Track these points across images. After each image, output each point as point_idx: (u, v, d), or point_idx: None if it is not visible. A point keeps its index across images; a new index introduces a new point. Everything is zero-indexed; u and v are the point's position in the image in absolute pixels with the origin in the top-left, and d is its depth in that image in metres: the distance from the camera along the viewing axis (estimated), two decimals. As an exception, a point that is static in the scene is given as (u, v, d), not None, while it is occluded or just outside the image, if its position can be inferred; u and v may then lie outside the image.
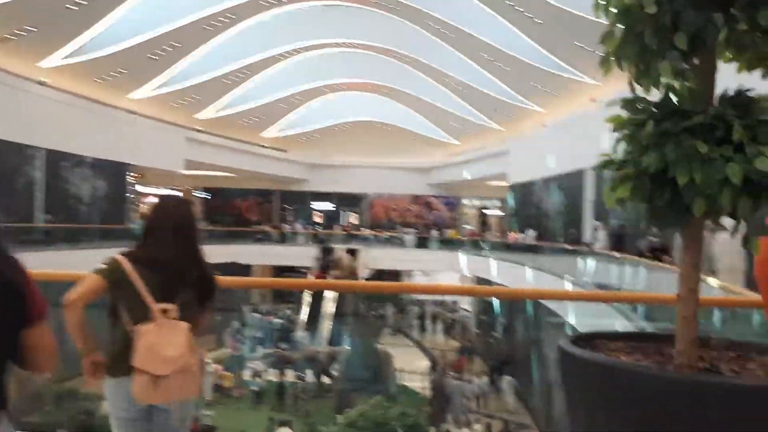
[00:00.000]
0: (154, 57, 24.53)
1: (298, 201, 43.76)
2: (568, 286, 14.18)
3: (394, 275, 39.82)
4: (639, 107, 2.26)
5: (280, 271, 41.69)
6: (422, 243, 34.59)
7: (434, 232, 35.08)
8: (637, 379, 2.02)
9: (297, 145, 40.27)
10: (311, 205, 43.43)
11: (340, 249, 31.29)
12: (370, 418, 11.95)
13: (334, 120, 38.82)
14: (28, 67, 21.77)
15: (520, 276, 20.66)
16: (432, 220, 42.33)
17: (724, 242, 7.73)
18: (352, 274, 13.74)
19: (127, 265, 2.71)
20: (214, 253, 19.45)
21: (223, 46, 26.55)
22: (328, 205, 43.62)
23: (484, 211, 43.41)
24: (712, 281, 6.59)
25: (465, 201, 43.68)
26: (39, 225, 22.02)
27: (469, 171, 36.67)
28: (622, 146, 2.26)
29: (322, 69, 32.54)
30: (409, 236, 33.97)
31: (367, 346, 19.08)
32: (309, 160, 41.19)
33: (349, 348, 20.71)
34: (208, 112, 32.33)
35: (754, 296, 4.19)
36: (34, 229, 21.80)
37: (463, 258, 30.67)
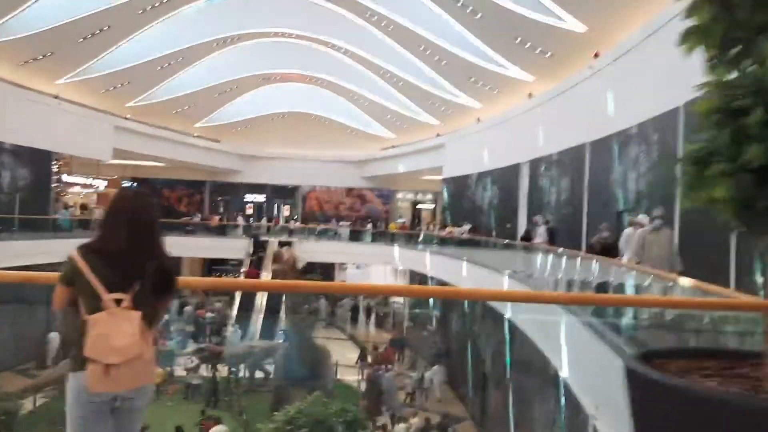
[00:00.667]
0: (82, 40, 23.37)
1: (230, 193, 42.99)
2: (506, 281, 14.51)
3: (327, 267, 39.90)
4: (734, 92, 1.88)
5: (211, 264, 41.06)
6: (356, 236, 34.65)
7: (369, 225, 35.15)
8: (727, 408, 1.74)
9: (230, 135, 39.43)
10: (244, 198, 42.74)
11: (273, 243, 31.12)
12: (310, 415, 11.87)
13: (268, 110, 38.20)
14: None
15: (455, 270, 21.01)
16: (366, 213, 42.48)
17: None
18: (292, 268, 13.51)
19: (79, 259, 2.71)
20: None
21: (156, 32, 25.60)
22: (262, 197, 43.06)
23: (418, 205, 43.86)
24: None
25: (399, 195, 44.04)
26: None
27: (404, 164, 37.00)
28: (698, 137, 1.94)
29: (257, 59, 31.91)
30: (344, 229, 33.91)
31: (305, 341, 18.95)
32: (242, 150, 40.54)
33: (285, 342, 20.56)
34: (139, 101, 31.17)
35: None
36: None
37: (397, 251, 30.90)
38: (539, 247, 14.39)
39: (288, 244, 31.29)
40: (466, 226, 24.43)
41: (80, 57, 25.06)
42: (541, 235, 15.28)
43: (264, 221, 37.25)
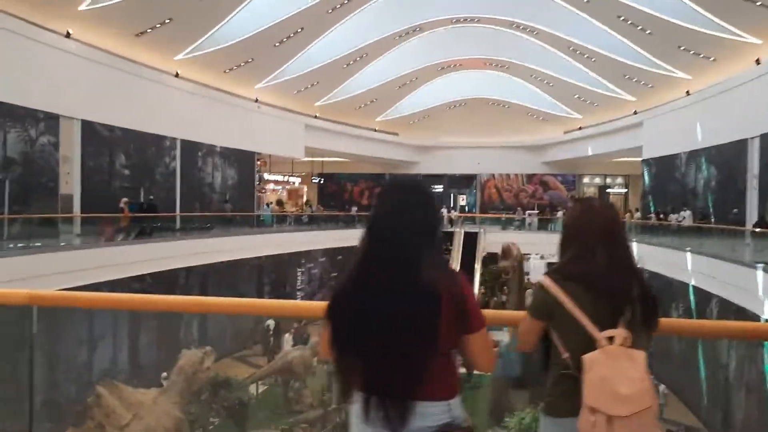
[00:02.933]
0: (278, 44, 24.37)
1: (409, 184, 43.13)
2: (761, 276, 12.55)
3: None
4: None
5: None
6: (545, 225, 33.09)
7: (559, 213, 33.38)
8: None
9: (408, 128, 39.62)
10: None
11: (459, 234, 30.61)
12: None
13: (445, 100, 37.73)
14: (165, 61, 22.15)
15: (675, 262, 18.92)
16: (549, 200, 40.65)
17: None
18: (521, 265, 12.72)
19: (555, 289, 2.24)
20: (333, 237, 19.29)
21: (342, 31, 26.10)
22: (439, 188, 42.86)
23: (607, 190, 41.12)
24: None
25: (585, 179, 41.61)
26: (195, 214, 22.47)
27: (594, 146, 34.69)
28: None
29: (436, 48, 31.50)
30: (532, 218, 32.50)
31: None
32: (420, 142, 40.64)
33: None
34: (326, 100, 32.19)
35: None
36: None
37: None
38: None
39: (474, 234, 30.67)
40: (686, 212, 22.02)
41: (276, 61, 26.20)
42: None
43: (444, 211, 36.56)
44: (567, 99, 34.29)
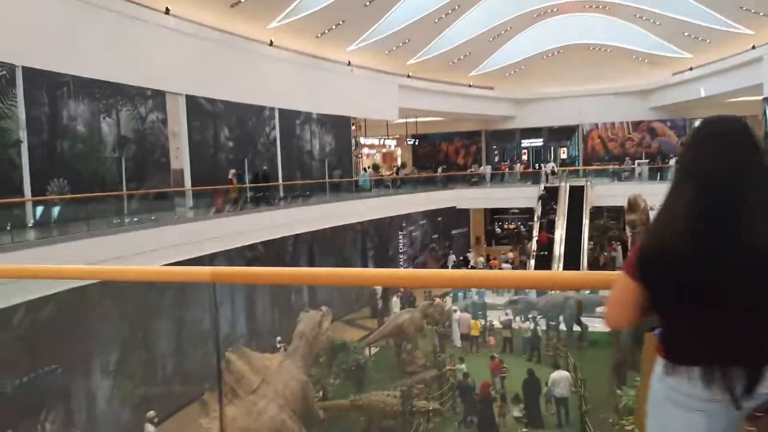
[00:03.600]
0: (368, 4, 23.93)
1: (505, 139, 42.09)
2: None
3: (617, 211, 37.08)
4: None
5: (492, 213, 40.88)
6: (657, 174, 31.20)
7: (672, 161, 31.37)
8: None
9: (503, 81, 38.22)
10: (520, 143, 41.54)
11: (563, 188, 29.43)
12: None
13: (542, 48, 35.99)
14: (258, 30, 22.29)
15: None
16: (657, 148, 38.29)
17: None
18: (649, 219, 11.85)
19: None
20: (433, 199, 18.86)
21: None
22: (538, 141, 41.40)
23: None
24: None
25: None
26: (305, 182, 22.77)
27: (707, 87, 32.12)
28: None
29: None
30: (642, 167, 30.71)
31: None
32: (516, 95, 39.23)
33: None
34: (419, 57, 31.51)
35: None
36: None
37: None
38: None
39: (579, 188, 29.44)
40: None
41: (366, 22, 25.80)
42: None
43: (547, 167, 34.96)
44: (675, 37, 31.81)
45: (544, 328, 18.50)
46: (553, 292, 22.38)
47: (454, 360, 15.89)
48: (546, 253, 26.03)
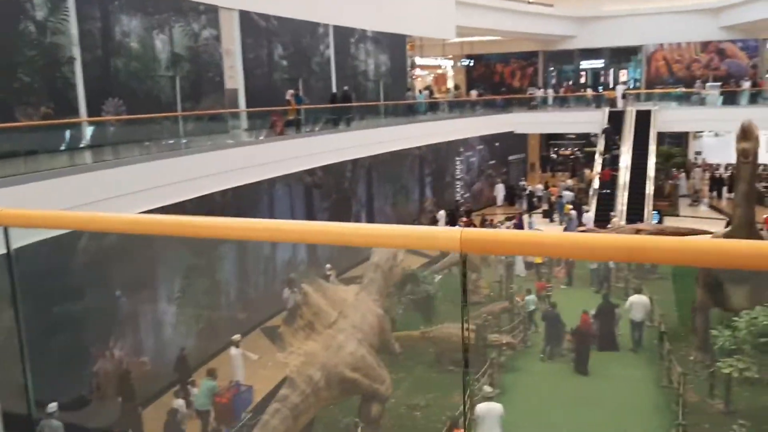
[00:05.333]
0: None
1: (563, 61, 40.03)
2: None
3: (679, 137, 35.26)
4: None
5: (548, 138, 39.42)
6: (729, 99, 29.19)
7: (746, 84, 29.26)
8: None
9: (564, -3, 35.88)
10: (579, 65, 39.45)
11: (630, 112, 27.76)
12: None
13: (608, -39, 33.45)
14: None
15: None
16: (726, 70, 35.83)
17: None
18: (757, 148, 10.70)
19: None
20: (491, 123, 17.78)
21: None
22: (599, 63, 39.24)
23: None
24: None
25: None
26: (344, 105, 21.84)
27: (788, 2, 29.49)
28: None
29: None
30: (714, 91, 28.72)
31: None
32: (577, 12, 36.84)
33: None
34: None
35: None
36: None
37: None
38: None
39: (646, 113, 27.78)
40: None
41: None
42: None
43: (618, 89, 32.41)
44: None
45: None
46: (623, 224, 21.50)
47: (522, 292, 15.32)
48: (609, 191, 24.69)
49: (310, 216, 18.36)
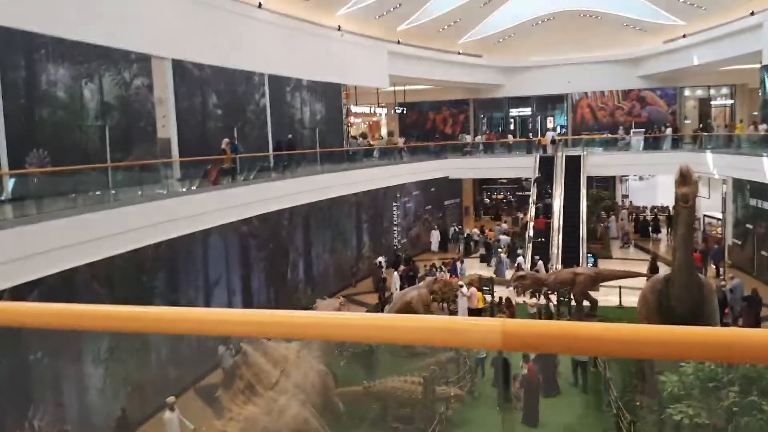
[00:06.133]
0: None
1: (493, 108, 41.36)
2: None
3: (605, 180, 36.68)
4: None
5: (482, 184, 40.27)
6: (651, 144, 30.74)
7: (668, 131, 30.86)
8: None
9: (492, 48, 37.20)
10: (509, 112, 40.82)
11: (559, 157, 28.66)
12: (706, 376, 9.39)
13: (532, 15, 34.95)
14: (247, -9, 20.96)
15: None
16: (648, 117, 37.83)
17: None
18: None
19: None
20: (426, 169, 18.04)
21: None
22: (526, 111, 40.71)
23: (711, 102, 37.84)
24: None
25: (686, 92, 38.35)
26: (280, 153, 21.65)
27: (700, 55, 31.53)
28: None
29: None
30: (637, 137, 30.13)
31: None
32: (505, 63, 38.33)
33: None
34: (409, 23, 30.28)
35: None
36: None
37: (711, 157, 26.55)
38: None
39: (576, 158, 28.78)
40: None
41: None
42: None
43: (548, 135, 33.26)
44: (670, 4, 31.05)
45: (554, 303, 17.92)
46: (559, 268, 21.92)
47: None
48: (543, 240, 24.92)
49: (246, 266, 17.86)
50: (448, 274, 20.72)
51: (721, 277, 20.93)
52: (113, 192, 14.29)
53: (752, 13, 26.86)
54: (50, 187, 13.36)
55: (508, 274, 23.76)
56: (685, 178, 10.64)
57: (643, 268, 22.53)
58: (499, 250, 26.20)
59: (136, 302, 10.56)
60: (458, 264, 23.46)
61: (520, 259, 23.86)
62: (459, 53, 35.66)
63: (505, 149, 33.49)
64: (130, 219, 12.92)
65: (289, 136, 21.56)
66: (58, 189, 13.18)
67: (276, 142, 21.40)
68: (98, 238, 12.07)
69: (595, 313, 18.52)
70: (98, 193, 14.07)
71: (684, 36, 32.78)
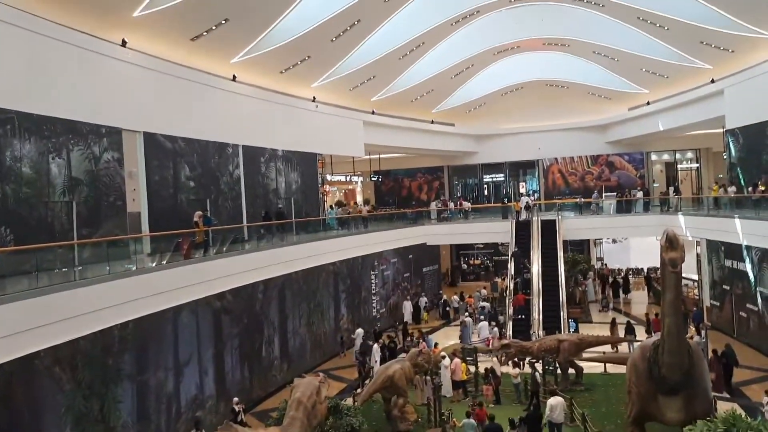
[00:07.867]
0: (334, 39, 23.07)
1: (467, 174, 41.88)
2: None
3: (579, 243, 36.80)
4: None
5: (459, 249, 40.18)
6: (623, 207, 31.11)
7: (639, 194, 31.29)
8: None
9: (465, 117, 38.05)
10: (483, 178, 41.32)
11: (534, 222, 28.74)
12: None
13: (502, 85, 35.91)
14: (221, 65, 21.08)
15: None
16: (617, 181, 38.56)
17: None
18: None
19: None
20: (403, 236, 17.88)
21: (397, 21, 24.65)
22: (499, 177, 41.27)
23: (678, 166, 38.75)
24: None
25: (653, 156, 39.30)
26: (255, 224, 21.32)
27: (664, 121, 32.49)
28: None
29: (492, 32, 29.82)
30: (609, 201, 30.47)
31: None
32: (477, 131, 39.29)
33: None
34: (382, 94, 30.82)
35: None
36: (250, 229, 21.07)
37: (683, 219, 26.86)
38: None
39: (551, 222, 28.87)
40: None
41: (332, 57, 24.93)
42: None
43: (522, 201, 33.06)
44: (633, 73, 32.13)
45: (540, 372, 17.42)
46: (542, 335, 21.55)
47: (454, 415, 14.67)
48: (523, 317, 24.14)
49: (219, 344, 17.13)
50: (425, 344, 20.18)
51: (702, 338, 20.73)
52: (79, 269, 13.68)
53: (712, 81, 27.83)
54: (13, 266, 12.74)
55: (475, 337, 23.55)
56: (672, 243, 10.54)
57: (621, 332, 22.32)
58: (481, 317, 25.82)
59: (101, 386, 9.90)
60: (428, 337, 22.86)
61: (495, 330, 23.44)
62: (432, 122, 36.31)
63: (479, 214, 33.57)
64: (97, 298, 12.33)
65: (279, 206, 21.64)
66: (20, 268, 12.55)
67: (264, 212, 21.45)
68: (63, 320, 11.45)
69: (580, 380, 18.08)
70: (64, 270, 13.45)
71: (648, 103, 33.87)
